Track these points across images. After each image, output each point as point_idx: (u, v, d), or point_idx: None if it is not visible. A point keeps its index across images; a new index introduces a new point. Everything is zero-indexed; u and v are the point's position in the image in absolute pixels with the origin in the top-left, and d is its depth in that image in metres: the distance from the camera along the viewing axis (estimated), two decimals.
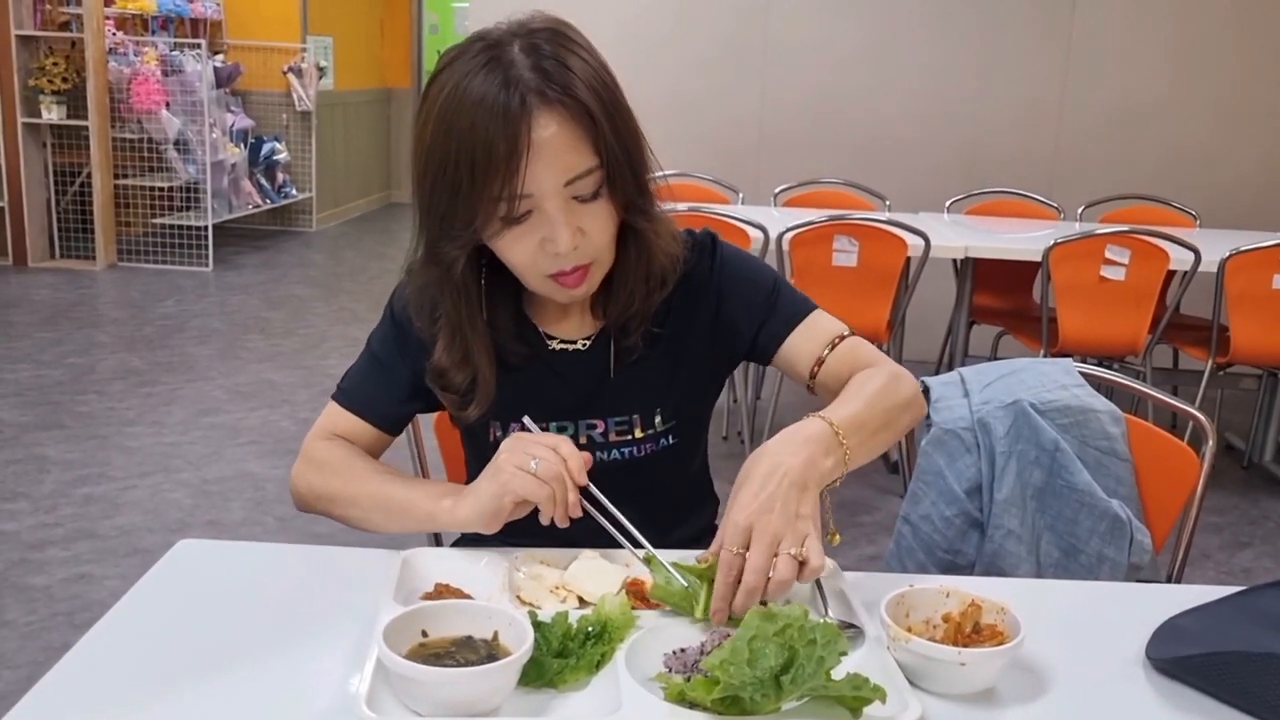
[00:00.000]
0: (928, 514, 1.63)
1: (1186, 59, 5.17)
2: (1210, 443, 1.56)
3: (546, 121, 1.09)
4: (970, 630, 1.03)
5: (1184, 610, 1.13)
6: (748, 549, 1.02)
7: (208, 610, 1.10)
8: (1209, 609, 1.14)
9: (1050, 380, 1.62)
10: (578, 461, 1.12)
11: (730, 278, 1.33)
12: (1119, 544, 1.54)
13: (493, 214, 1.13)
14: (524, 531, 1.36)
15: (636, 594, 1.11)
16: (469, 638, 0.98)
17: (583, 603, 1.10)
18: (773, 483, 1.05)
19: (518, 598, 1.11)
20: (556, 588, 1.12)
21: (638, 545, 1.14)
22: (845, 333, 1.31)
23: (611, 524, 1.15)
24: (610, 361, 1.31)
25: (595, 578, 1.12)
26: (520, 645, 0.93)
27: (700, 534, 1.45)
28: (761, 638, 0.91)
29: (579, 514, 1.13)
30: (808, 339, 1.30)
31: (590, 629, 1.01)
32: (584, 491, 1.14)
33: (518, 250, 1.16)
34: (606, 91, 1.13)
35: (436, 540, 1.65)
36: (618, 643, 1.00)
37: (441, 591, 1.10)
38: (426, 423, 1.62)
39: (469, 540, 1.44)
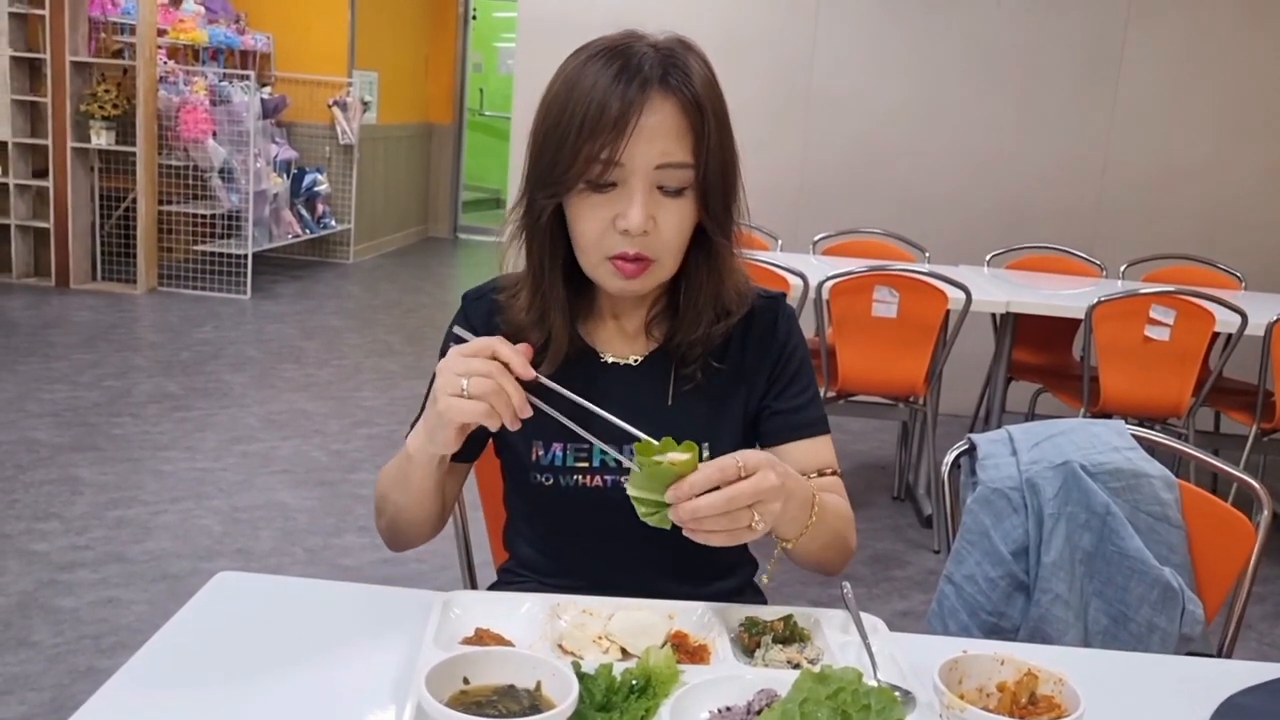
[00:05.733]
0: (972, 574, 1.59)
1: (1232, 120, 5.14)
2: (1266, 512, 1.52)
3: (660, 105, 1.17)
4: (1026, 701, 0.99)
5: (1245, 688, 1.09)
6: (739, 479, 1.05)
7: (247, 645, 1.09)
8: (1271, 687, 1.10)
9: (1101, 442, 1.59)
10: (519, 359, 1.10)
11: (793, 349, 1.37)
12: (1170, 614, 1.50)
13: (584, 173, 1.17)
14: (563, 576, 1.35)
15: (681, 648, 1.08)
16: (511, 687, 0.96)
17: (626, 654, 1.08)
18: (781, 470, 1.09)
19: (559, 646, 1.09)
20: (599, 638, 1.10)
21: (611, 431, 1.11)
22: (837, 469, 1.36)
23: (570, 418, 1.13)
24: (667, 385, 1.31)
25: (639, 630, 1.10)
26: (564, 697, 0.91)
27: (740, 588, 1.42)
28: (814, 701, 0.89)
29: (529, 413, 1.11)
30: (807, 454, 1.34)
31: (635, 683, 0.99)
32: (536, 385, 1.11)
33: (591, 219, 1.20)
34: (718, 103, 1.21)
35: (473, 583, 1.63)
36: (662, 698, 0.98)
37: (482, 637, 1.08)
38: None
39: (508, 583, 1.42)
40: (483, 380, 1.08)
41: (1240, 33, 5.08)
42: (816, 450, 1.35)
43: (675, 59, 1.19)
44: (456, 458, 1.34)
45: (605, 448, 1.14)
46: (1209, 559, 1.57)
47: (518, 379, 1.10)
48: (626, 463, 1.06)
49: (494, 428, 1.11)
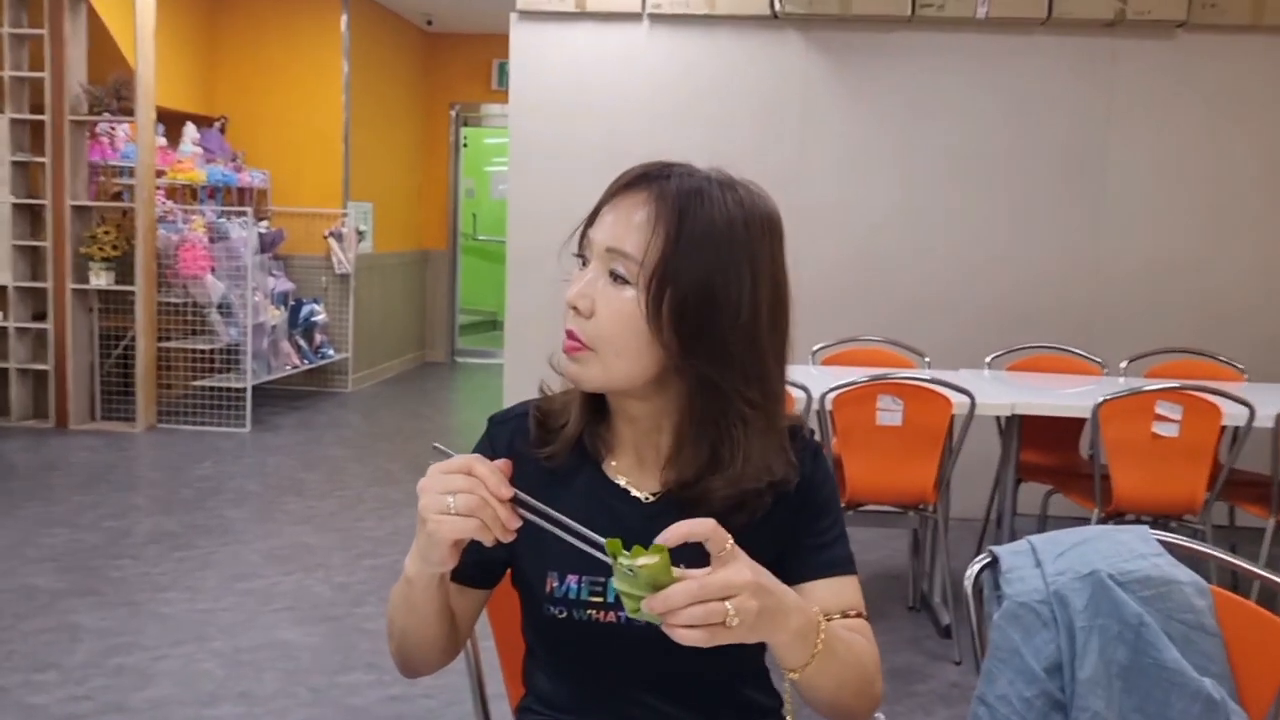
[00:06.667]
0: (1005, 694, 1.53)
1: (1218, 214, 5.22)
2: None
3: (633, 195, 1.20)
4: None
5: None
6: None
7: None
8: None
9: (1128, 549, 1.55)
10: (495, 477, 1.08)
11: (819, 484, 1.33)
12: None
13: (578, 250, 1.24)
14: (582, 714, 1.30)
15: None
16: None
17: None
18: (768, 582, 1.05)
19: None
20: None
21: (588, 540, 1.07)
22: (863, 611, 1.31)
23: (553, 524, 1.09)
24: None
25: None
26: None
27: None
28: None
29: (517, 525, 1.09)
30: (831, 594, 1.29)
31: None
32: (515, 500, 1.09)
33: (569, 290, 1.23)
34: (709, 226, 1.17)
35: None
36: None
37: None
38: None
39: None
40: (467, 497, 1.07)
41: (1217, 130, 5.20)
42: (841, 590, 1.30)
43: (686, 175, 1.20)
44: (469, 581, 1.32)
45: (592, 551, 1.07)
46: (1248, 666, 1.52)
47: (496, 497, 1.08)
48: (619, 563, 1.03)
49: (488, 542, 1.09)
